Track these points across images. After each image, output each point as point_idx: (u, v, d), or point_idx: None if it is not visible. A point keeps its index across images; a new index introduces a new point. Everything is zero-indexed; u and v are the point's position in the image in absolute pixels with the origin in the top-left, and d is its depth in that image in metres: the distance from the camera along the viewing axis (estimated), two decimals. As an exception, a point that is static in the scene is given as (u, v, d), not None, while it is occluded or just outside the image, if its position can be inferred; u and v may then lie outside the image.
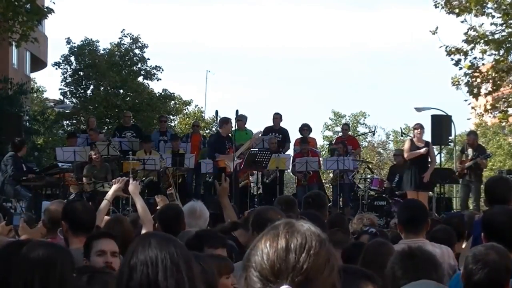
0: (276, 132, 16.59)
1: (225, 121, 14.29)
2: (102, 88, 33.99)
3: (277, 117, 16.94)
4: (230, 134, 14.14)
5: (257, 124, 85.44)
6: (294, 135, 17.11)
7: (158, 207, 6.80)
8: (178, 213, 6.00)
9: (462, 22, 19.40)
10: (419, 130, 13.98)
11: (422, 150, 13.73)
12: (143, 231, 6.17)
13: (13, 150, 14.29)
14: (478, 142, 17.19)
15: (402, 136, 14.84)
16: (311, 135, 17.20)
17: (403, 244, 5.17)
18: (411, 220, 5.33)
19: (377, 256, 4.28)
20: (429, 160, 14.11)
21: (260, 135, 15.03)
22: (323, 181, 18.01)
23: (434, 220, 7.31)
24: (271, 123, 17.06)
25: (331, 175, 17.23)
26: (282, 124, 17.03)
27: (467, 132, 20.29)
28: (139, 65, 34.98)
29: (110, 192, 6.45)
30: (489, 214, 5.09)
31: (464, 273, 3.84)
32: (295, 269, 1.87)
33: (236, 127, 14.91)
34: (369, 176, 17.22)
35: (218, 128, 15.16)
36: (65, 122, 34.92)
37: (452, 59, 19.59)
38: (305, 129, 16.81)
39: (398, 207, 6.58)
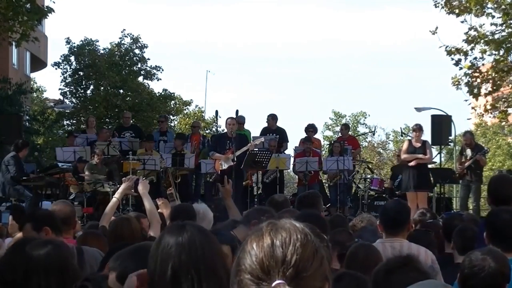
0: (273, 132, 16.58)
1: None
2: (102, 88, 33.97)
3: (270, 119, 16.92)
4: (233, 135, 14.14)
5: (257, 124, 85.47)
6: (295, 135, 17.13)
7: (159, 210, 6.76)
8: (192, 214, 5.98)
9: (462, 22, 19.43)
10: (418, 132, 13.95)
11: (420, 156, 13.72)
12: (150, 231, 6.15)
13: (14, 151, 14.27)
14: (477, 142, 17.20)
15: (402, 136, 14.86)
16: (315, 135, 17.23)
17: (381, 243, 5.21)
18: (389, 221, 5.36)
19: (364, 259, 4.29)
20: (427, 159, 14.10)
21: (259, 141, 15.03)
22: (323, 181, 18.00)
23: (430, 223, 7.23)
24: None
25: (325, 175, 17.19)
26: (280, 124, 17.04)
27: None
28: (139, 65, 34.97)
29: (120, 190, 6.40)
30: (492, 213, 5.10)
31: (460, 278, 3.83)
32: (284, 263, 1.89)
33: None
34: (369, 176, 17.21)
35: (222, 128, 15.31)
36: (65, 122, 34.91)
37: (452, 59, 19.61)
38: (310, 130, 16.83)
39: (382, 206, 6.58)
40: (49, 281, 3.07)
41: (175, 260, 2.39)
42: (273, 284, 1.87)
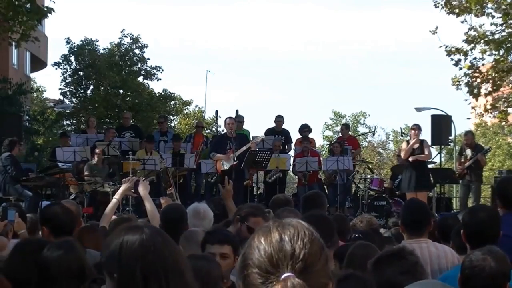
0: (278, 134, 16.60)
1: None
2: (102, 88, 33.97)
3: (280, 120, 16.98)
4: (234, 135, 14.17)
5: (257, 124, 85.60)
6: (294, 135, 17.14)
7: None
8: (182, 213, 5.99)
9: (462, 22, 19.44)
10: (416, 131, 14.05)
11: (416, 145, 13.84)
12: None
13: (7, 150, 14.16)
14: (477, 142, 17.23)
15: (402, 136, 14.86)
16: (310, 135, 17.23)
17: (409, 245, 5.17)
18: (413, 222, 5.32)
19: (364, 258, 4.29)
20: (426, 157, 14.21)
21: (259, 140, 15.06)
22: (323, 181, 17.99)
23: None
24: (272, 124, 17.08)
25: (323, 175, 17.19)
26: (283, 125, 17.06)
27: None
28: (139, 65, 34.95)
29: (120, 191, 6.38)
30: (469, 211, 5.12)
31: (461, 278, 3.82)
32: (294, 257, 1.92)
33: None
34: (369, 176, 17.21)
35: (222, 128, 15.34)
36: (65, 122, 34.90)
37: (452, 59, 19.63)
38: (305, 130, 16.84)
39: (401, 207, 6.55)
40: (70, 285, 3.07)
41: (142, 260, 2.35)
42: (283, 277, 1.89)
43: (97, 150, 15.13)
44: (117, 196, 6.31)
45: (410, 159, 13.91)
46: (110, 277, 2.38)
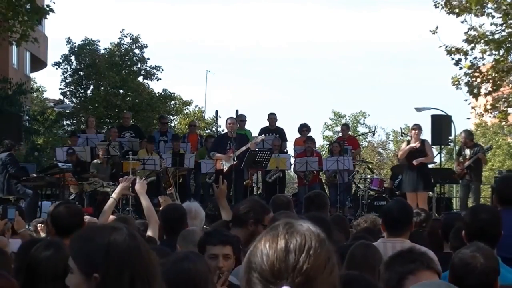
0: (273, 132, 16.55)
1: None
2: (102, 88, 33.98)
3: (273, 117, 16.93)
4: (234, 135, 14.16)
5: (257, 124, 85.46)
6: (293, 135, 17.11)
7: (161, 208, 6.76)
8: (182, 213, 5.99)
9: (462, 22, 19.43)
10: (416, 131, 14.00)
11: (413, 145, 13.77)
12: (149, 231, 6.13)
13: (7, 150, 14.14)
14: (477, 142, 17.19)
15: (402, 136, 14.82)
16: (309, 134, 17.22)
17: (382, 243, 5.19)
18: (394, 221, 5.35)
19: (364, 258, 4.28)
20: (429, 159, 14.13)
21: (260, 140, 15.05)
22: (323, 181, 17.98)
23: (435, 219, 7.29)
24: (267, 123, 17.06)
25: (325, 175, 17.16)
26: (281, 124, 17.04)
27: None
28: (139, 65, 34.97)
29: (117, 190, 6.36)
30: (471, 212, 5.12)
31: (452, 278, 3.79)
32: (295, 269, 1.85)
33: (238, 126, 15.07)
34: (369, 176, 17.19)
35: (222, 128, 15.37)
36: (65, 122, 34.91)
37: (452, 59, 19.61)
38: (304, 129, 16.82)
39: (385, 206, 6.57)
40: (56, 285, 3.07)
41: (131, 263, 2.33)
42: None
43: (100, 152, 15.20)
44: (114, 195, 6.29)
45: (414, 162, 13.78)
46: (86, 275, 2.33)
